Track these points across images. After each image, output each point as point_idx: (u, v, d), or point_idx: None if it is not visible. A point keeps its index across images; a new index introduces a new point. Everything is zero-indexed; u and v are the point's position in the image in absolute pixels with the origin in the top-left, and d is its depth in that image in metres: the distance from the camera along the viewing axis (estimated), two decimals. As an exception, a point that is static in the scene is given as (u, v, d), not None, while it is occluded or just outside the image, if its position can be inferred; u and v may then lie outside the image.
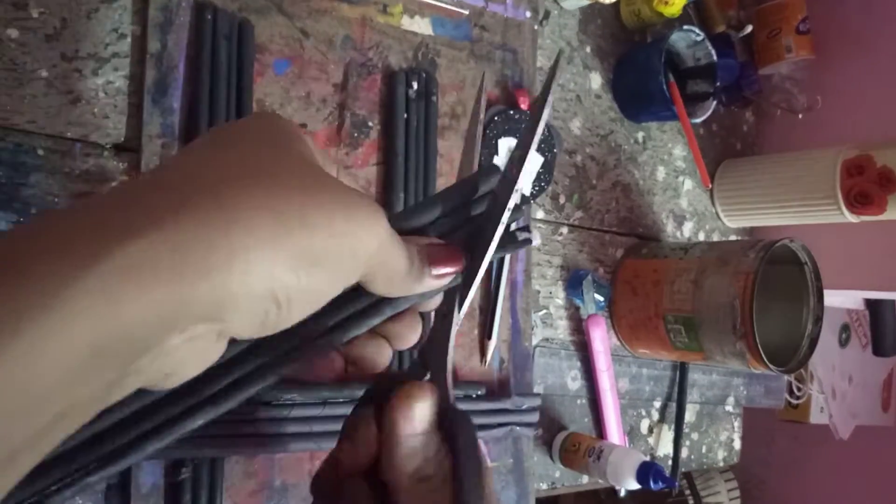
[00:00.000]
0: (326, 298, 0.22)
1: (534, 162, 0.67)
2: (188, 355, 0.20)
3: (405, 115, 0.58)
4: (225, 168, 0.20)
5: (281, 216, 0.20)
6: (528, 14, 0.68)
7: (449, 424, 0.25)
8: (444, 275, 0.26)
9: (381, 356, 0.28)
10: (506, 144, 0.65)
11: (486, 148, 0.64)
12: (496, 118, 0.64)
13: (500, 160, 0.65)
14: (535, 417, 0.64)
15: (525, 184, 0.66)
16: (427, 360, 0.28)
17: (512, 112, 0.65)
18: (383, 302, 0.26)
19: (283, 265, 0.20)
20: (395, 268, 0.24)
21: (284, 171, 0.21)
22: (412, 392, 0.25)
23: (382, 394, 0.26)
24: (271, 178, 0.20)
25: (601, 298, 0.72)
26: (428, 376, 0.28)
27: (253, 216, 0.19)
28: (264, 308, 0.20)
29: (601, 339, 0.72)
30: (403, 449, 0.24)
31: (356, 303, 0.26)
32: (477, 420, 0.58)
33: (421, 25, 0.60)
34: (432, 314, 0.29)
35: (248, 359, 0.24)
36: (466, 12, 0.63)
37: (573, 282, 0.72)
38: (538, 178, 0.67)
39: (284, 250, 0.20)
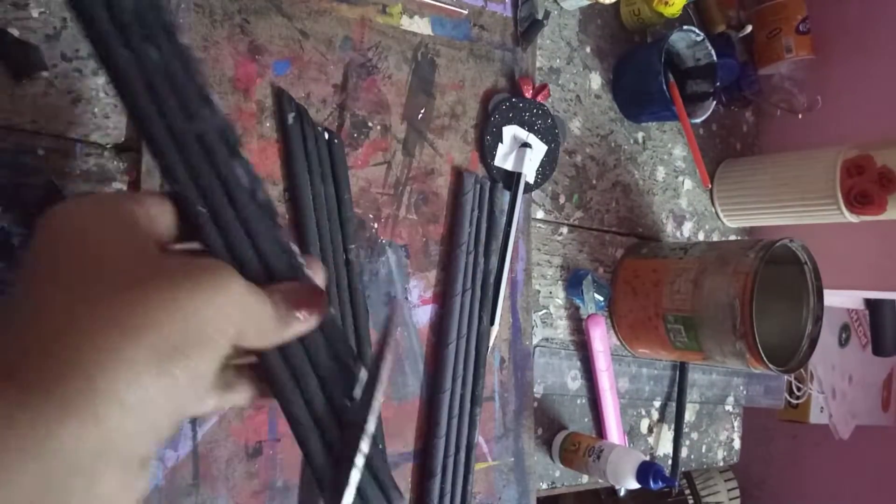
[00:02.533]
0: (190, 404, 0.22)
1: (537, 151, 0.67)
2: (110, 491, 0.20)
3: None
4: (33, 331, 0.20)
5: (113, 358, 0.19)
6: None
7: None
8: (310, 314, 0.26)
9: None
10: (510, 132, 0.66)
11: (489, 135, 0.64)
12: (502, 105, 0.65)
13: (505, 147, 0.65)
14: None
15: (529, 172, 0.66)
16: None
17: (516, 100, 0.65)
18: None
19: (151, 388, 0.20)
20: (263, 319, 0.24)
21: (98, 305, 0.20)
22: None
23: None
24: (91, 328, 0.20)
25: (601, 298, 0.72)
26: None
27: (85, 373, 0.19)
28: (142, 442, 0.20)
29: (601, 338, 0.72)
30: None
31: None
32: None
33: (420, 25, 0.60)
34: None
35: None
36: (466, 12, 0.63)
37: (573, 282, 0.72)
38: (542, 167, 0.68)
39: (144, 381, 0.19)
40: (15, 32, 0.43)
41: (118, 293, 0.20)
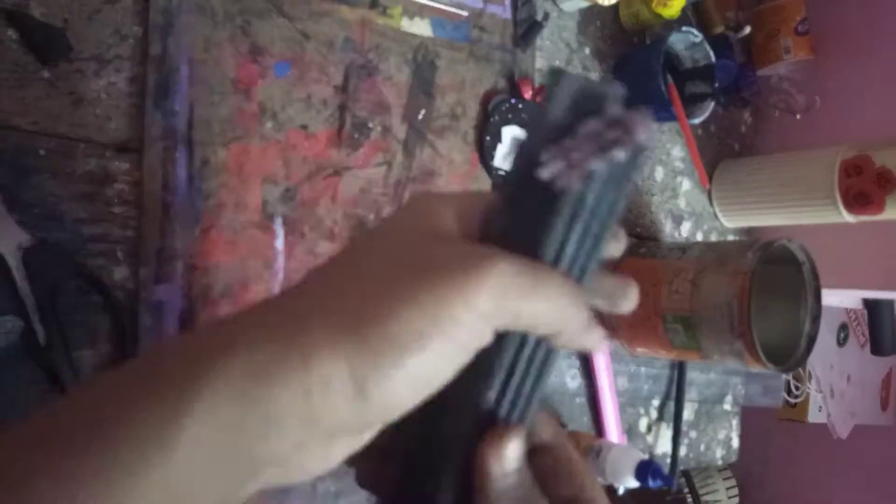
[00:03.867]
0: (445, 375, 0.22)
1: None
2: (303, 459, 0.21)
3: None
4: (323, 294, 0.22)
5: (344, 329, 0.20)
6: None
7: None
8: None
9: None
10: (510, 133, 0.66)
11: (488, 136, 0.65)
12: (502, 107, 0.65)
13: (504, 148, 0.66)
14: None
15: None
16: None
17: (515, 101, 0.66)
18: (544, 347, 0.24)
19: (362, 373, 0.20)
20: (557, 317, 0.23)
21: (363, 276, 0.22)
22: (504, 433, 0.24)
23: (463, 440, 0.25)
24: (339, 294, 0.22)
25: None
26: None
27: (322, 340, 0.20)
28: (367, 417, 0.21)
29: (600, 338, 0.73)
30: (497, 492, 0.24)
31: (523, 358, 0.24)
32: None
33: (420, 27, 0.61)
34: None
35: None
36: (466, 14, 0.63)
37: (572, 281, 0.72)
38: None
39: (359, 359, 0.20)
40: (16, 33, 0.43)
41: (372, 281, 0.22)
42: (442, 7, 0.61)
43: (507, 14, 0.67)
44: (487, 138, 0.65)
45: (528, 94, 0.67)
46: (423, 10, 0.61)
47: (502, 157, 0.66)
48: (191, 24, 0.49)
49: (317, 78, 0.55)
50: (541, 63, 0.71)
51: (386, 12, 0.59)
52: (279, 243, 0.53)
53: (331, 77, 0.56)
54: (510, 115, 0.66)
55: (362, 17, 0.57)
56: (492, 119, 0.65)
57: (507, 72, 0.67)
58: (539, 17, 0.67)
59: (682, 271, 0.69)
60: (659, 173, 0.83)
